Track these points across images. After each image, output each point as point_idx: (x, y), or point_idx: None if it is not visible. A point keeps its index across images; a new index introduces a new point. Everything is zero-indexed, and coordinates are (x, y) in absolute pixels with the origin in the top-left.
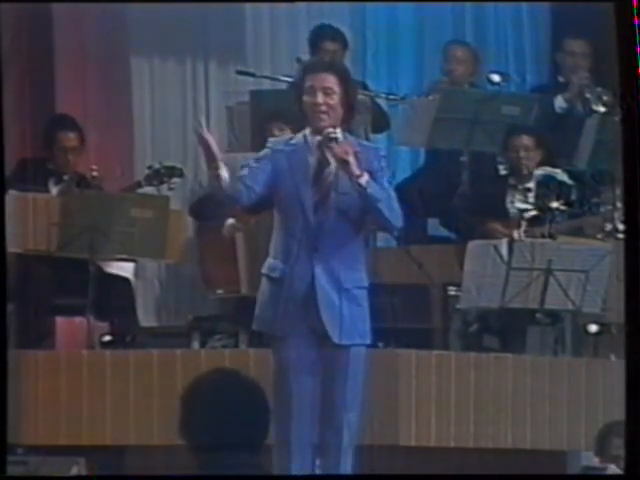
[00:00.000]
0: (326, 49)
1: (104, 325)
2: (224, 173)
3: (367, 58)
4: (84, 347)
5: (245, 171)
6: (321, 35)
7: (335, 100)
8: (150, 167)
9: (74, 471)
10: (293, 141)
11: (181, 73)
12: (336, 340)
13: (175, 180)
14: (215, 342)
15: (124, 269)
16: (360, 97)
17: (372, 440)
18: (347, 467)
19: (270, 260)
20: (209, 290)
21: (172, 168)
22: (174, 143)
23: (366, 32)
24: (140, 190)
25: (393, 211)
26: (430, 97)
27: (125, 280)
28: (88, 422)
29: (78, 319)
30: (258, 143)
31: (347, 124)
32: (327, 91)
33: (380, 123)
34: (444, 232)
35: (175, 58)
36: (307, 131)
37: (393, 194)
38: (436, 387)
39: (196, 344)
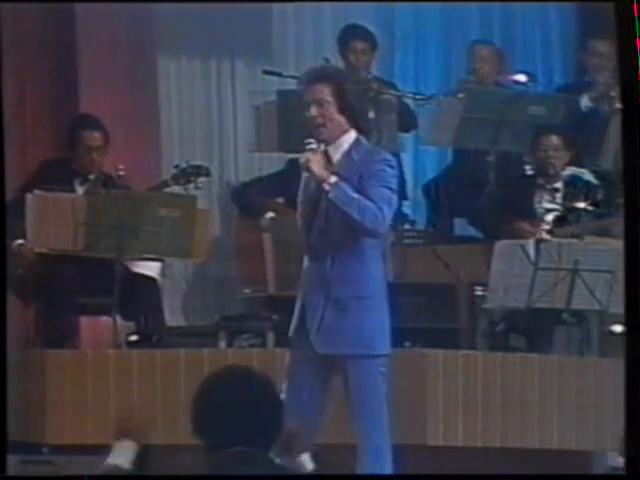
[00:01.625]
0: (355, 48)
1: (130, 325)
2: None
3: (395, 58)
4: (110, 347)
5: None
6: (350, 34)
7: (330, 110)
8: (177, 166)
9: (99, 470)
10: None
11: (207, 72)
12: (318, 349)
13: (202, 179)
14: (242, 341)
15: (151, 269)
16: (387, 97)
17: (399, 440)
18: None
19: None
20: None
21: (199, 167)
22: (201, 142)
23: (394, 32)
24: (167, 189)
25: (365, 214)
26: (457, 97)
27: (152, 280)
28: (115, 422)
29: (104, 319)
30: (284, 143)
31: (358, 126)
32: (320, 102)
33: (407, 123)
34: (471, 232)
35: (201, 57)
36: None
37: (378, 199)
38: (463, 387)
39: (223, 343)
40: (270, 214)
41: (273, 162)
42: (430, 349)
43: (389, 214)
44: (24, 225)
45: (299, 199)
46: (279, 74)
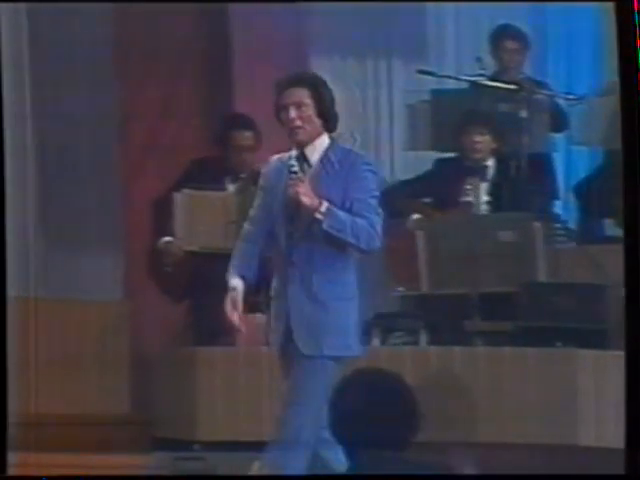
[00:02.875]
0: (507, 48)
1: None
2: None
3: (547, 58)
4: (263, 344)
5: None
6: (502, 34)
7: (308, 112)
8: None
9: (255, 469)
10: (276, 162)
11: (362, 71)
12: (304, 351)
13: None
14: (395, 339)
15: None
16: (539, 97)
17: (551, 440)
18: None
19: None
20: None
21: None
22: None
23: (547, 32)
24: None
25: (360, 235)
26: (608, 97)
27: None
28: (269, 419)
29: (258, 315)
30: (438, 142)
31: (330, 132)
32: (299, 105)
33: (559, 122)
34: (621, 232)
35: (356, 56)
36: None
37: (367, 211)
38: (615, 387)
39: (376, 341)
40: (421, 215)
41: (429, 161)
42: (581, 349)
43: (379, 226)
44: (171, 223)
45: (271, 208)
46: (433, 74)
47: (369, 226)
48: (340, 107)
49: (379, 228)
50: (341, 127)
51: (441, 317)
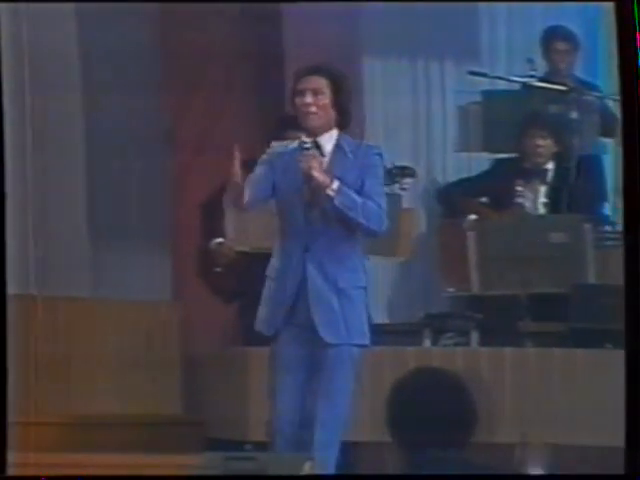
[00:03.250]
0: (557, 49)
1: None
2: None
3: (598, 59)
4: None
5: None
6: (553, 36)
7: (325, 101)
8: None
9: (306, 469)
10: (291, 145)
11: (414, 73)
12: (327, 339)
13: (407, 180)
14: (447, 340)
15: None
16: (589, 98)
17: (600, 442)
18: (331, 465)
19: (271, 260)
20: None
21: (404, 168)
22: (406, 143)
23: (598, 33)
24: None
25: (370, 216)
26: None
27: None
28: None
29: None
30: (490, 143)
31: (343, 128)
32: (316, 92)
33: (608, 124)
34: None
35: (408, 58)
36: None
37: (377, 196)
38: None
39: (427, 342)
40: (473, 216)
41: (481, 162)
42: None
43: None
44: (222, 224)
45: (283, 193)
46: (485, 75)
47: (379, 209)
48: (393, 108)
49: (385, 212)
50: (393, 129)
51: (492, 318)
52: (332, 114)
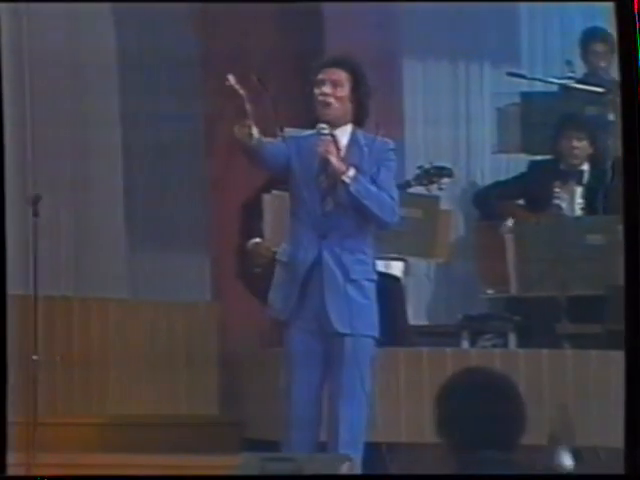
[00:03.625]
0: (595, 51)
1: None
2: (255, 132)
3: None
4: None
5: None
6: (591, 37)
7: (343, 93)
8: (420, 167)
9: (344, 469)
10: (307, 133)
11: (453, 74)
12: (339, 329)
13: (445, 180)
14: (485, 342)
15: (394, 268)
16: None
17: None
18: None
19: (283, 245)
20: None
21: (442, 168)
22: (445, 143)
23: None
24: (409, 190)
25: (384, 207)
26: None
27: (395, 278)
28: None
29: None
30: (528, 145)
31: (358, 124)
32: (335, 83)
33: None
34: None
35: (448, 59)
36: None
37: (390, 189)
38: None
39: (465, 343)
40: (511, 219)
41: (518, 164)
42: None
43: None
44: (260, 224)
45: (300, 180)
46: (523, 76)
47: (392, 201)
48: (432, 110)
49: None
50: (432, 130)
51: (530, 320)
52: (349, 107)
